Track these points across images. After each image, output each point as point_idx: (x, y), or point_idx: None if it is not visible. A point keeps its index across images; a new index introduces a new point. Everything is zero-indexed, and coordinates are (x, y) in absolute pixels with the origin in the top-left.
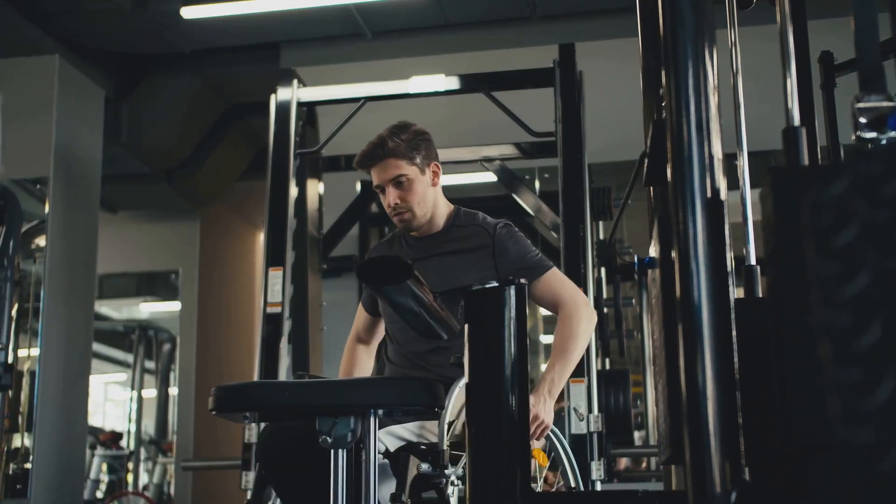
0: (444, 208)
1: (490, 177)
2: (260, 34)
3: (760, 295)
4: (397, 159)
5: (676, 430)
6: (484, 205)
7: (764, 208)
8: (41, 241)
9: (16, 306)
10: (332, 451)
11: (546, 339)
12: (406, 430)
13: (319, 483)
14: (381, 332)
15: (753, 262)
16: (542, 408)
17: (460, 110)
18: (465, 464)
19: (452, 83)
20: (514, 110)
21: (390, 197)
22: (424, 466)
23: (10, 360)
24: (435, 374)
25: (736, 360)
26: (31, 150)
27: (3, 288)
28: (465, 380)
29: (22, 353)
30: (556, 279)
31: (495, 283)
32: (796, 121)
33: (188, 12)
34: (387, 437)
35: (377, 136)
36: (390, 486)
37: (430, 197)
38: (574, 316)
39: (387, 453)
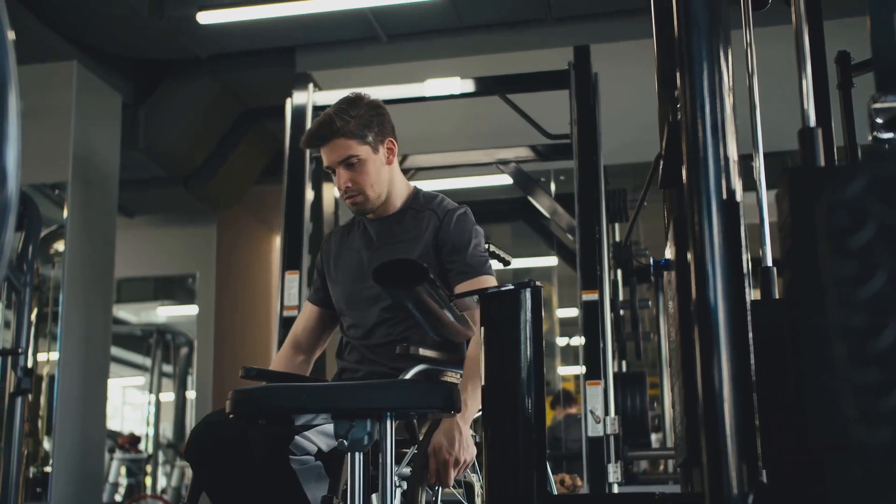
0: (401, 187)
1: (505, 179)
2: (276, 38)
3: (777, 296)
4: (347, 139)
5: (693, 433)
6: (499, 207)
7: (780, 209)
8: (60, 245)
9: (35, 311)
10: (349, 454)
11: (562, 341)
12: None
13: (249, 485)
14: (326, 335)
15: (770, 263)
16: (461, 447)
17: (475, 113)
18: (409, 462)
19: (467, 86)
20: (529, 112)
21: (341, 179)
22: None
23: (29, 364)
24: (388, 367)
25: (752, 361)
26: (49, 155)
27: (23, 293)
28: (414, 370)
29: (41, 357)
30: (481, 286)
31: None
32: (812, 121)
33: (204, 17)
34: (318, 437)
35: (324, 113)
36: (323, 489)
37: (384, 177)
38: None
39: (319, 453)
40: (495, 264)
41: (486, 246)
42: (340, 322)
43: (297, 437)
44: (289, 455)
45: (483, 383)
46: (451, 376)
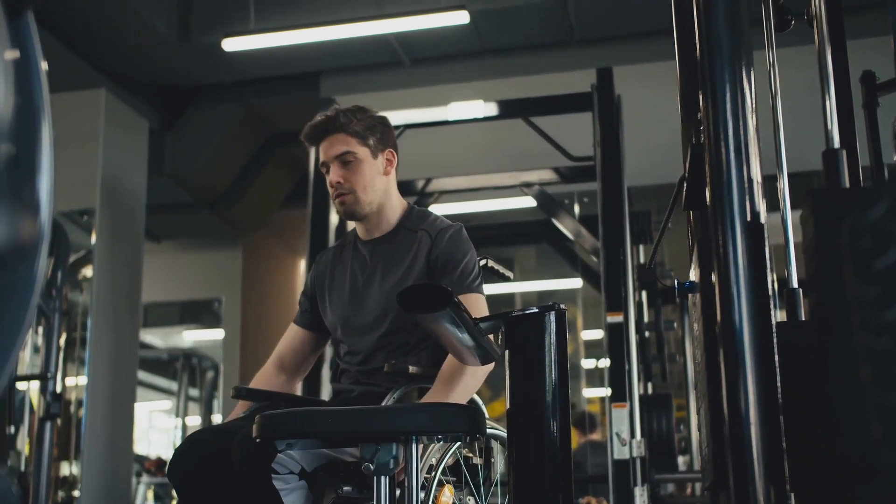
0: (396, 204)
1: (529, 202)
2: (300, 64)
3: (804, 318)
4: (347, 135)
5: (720, 455)
6: (523, 230)
7: (805, 231)
8: (88, 271)
9: (64, 336)
10: (375, 477)
11: (587, 363)
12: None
13: None
14: (311, 358)
15: (795, 284)
16: None
17: (499, 136)
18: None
19: (491, 109)
20: (552, 135)
21: (333, 175)
22: (346, 488)
23: (58, 389)
24: (384, 388)
25: (779, 383)
26: (77, 182)
27: (52, 318)
28: (400, 390)
29: (70, 381)
30: (468, 302)
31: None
32: (836, 143)
33: (230, 44)
34: (303, 455)
35: (330, 108)
36: None
37: (378, 185)
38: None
39: (303, 473)
40: (499, 287)
41: (483, 262)
42: (336, 348)
43: (280, 455)
44: (272, 474)
45: (508, 406)
46: None
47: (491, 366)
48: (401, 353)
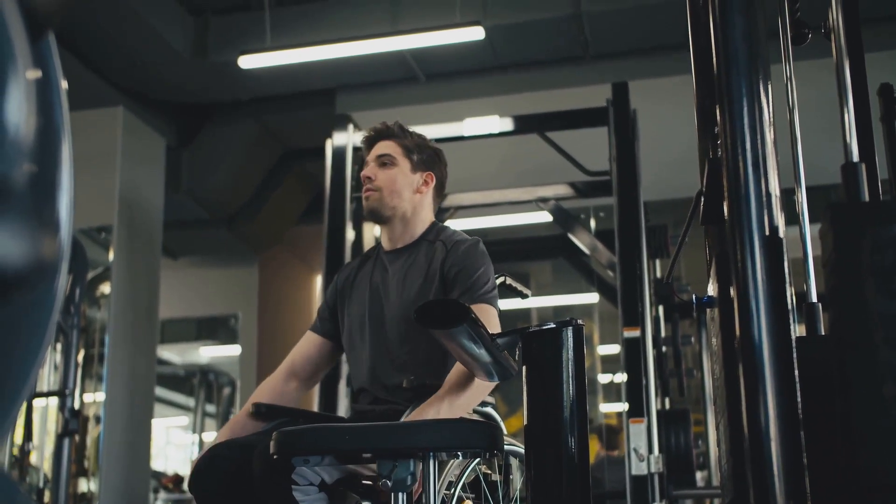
0: (425, 220)
1: (545, 216)
2: (315, 81)
3: (823, 332)
4: (394, 143)
5: (740, 471)
6: (539, 244)
7: (824, 245)
8: (106, 288)
9: (82, 352)
10: (393, 493)
11: (604, 378)
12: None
13: None
14: (324, 367)
15: (815, 299)
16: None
17: (514, 151)
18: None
19: (506, 124)
20: (568, 150)
21: (367, 170)
22: (366, 503)
23: (76, 405)
24: (403, 406)
25: (799, 398)
26: (95, 199)
27: (70, 335)
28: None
29: (88, 398)
30: (481, 317)
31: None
32: (855, 156)
33: (246, 62)
34: (322, 468)
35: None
36: None
37: (406, 196)
38: (464, 373)
39: (322, 485)
40: (515, 303)
41: (501, 279)
42: (350, 367)
43: (300, 468)
44: (292, 486)
45: (526, 422)
46: None
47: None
48: (420, 365)
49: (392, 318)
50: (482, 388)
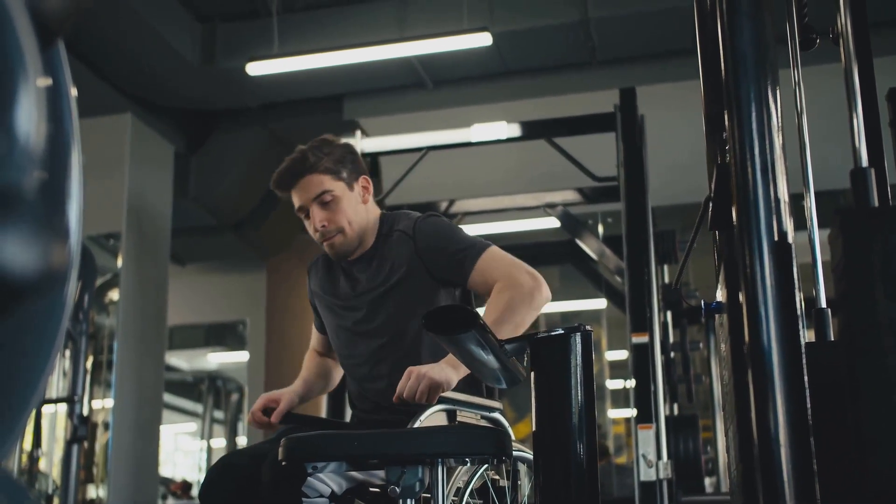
0: (375, 223)
1: (553, 222)
2: (323, 87)
3: (832, 338)
4: (321, 175)
5: (749, 477)
6: (547, 250)
7: (833, 251)
8: (114, 294)
9: (90, 359)
10: (401, 500)
11: (612, 383)
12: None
13: None
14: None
15: (824, 304)
16: (433, 368)
17: (522, 157)
18: None
19: (514, 130)
20: (575, 155)
21: (315, 219)
22: None
23: (85, 412)
24: (403, 413)
25: (808, 404)
26: (104, 206)
27: (79, 341)
28: (427, 413)
29: (96, 404)
30: (489, 261)
31: (437, 293)
32: (864, 161)
33: (254, 69)
34: (332, 478)
35: (296, 151)
36: None
37: (360, 215)
38: (511, 288)
39: (332, 496)
40: None
41: None
42: (343, 365)
43: (310, 478)
44: (302, 497)
45: (534, 428)
46: (470, 416)
47: (547, 295)
48: (404, 356)
49: (366, 317)
50: (526, 307)
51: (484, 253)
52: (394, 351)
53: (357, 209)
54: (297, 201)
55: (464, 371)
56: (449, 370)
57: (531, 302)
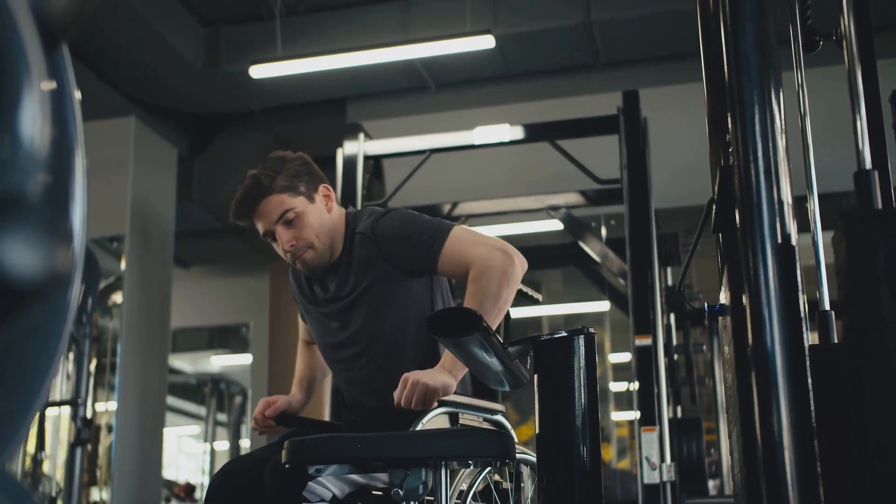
0: (341, 228)
1: (556, 224)
2: (326, 90)
3: (836, 341)
4: (278, 195)
5: (754, 479)
6: (550, 253)
7: (836, 253)
8: (118, 297)
9: (94, 362)
10: (404, 503)
11: (615, 386)
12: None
13: None
14: None
15: (827, 307)
16: (428, 374)
17: (525, 159)
18: None
19: (517, 133)
20: (578, 158)
21: (283, 239)
22: None
23: (88, 414)
24: (396, 419)
25: (812, 407)
26: (107, 209)
27: (83, 344)
28: (429, 415)
29: (100, 407)
30: (455, 245)
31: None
32: (868, 163)
33: (257, 72)
34: (333, 482)
35: (248, 177)
36: None
37: (327, 225)
38: (485, 272)
39: (334, 500)
40: (526, 310)
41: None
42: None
43: (311, 483)
44: (303, 502)
45: (537, 431)
46: (472, 419)
47: (522, 264)
48: (385, 359)
49: (341, 324)
50: (504, 286)
51: (448, 237)
52: (374, 356)
53: (322, 220)
54: (260, 227)
55: (460, 373)
56: (444, 375)
57: (508, 279)
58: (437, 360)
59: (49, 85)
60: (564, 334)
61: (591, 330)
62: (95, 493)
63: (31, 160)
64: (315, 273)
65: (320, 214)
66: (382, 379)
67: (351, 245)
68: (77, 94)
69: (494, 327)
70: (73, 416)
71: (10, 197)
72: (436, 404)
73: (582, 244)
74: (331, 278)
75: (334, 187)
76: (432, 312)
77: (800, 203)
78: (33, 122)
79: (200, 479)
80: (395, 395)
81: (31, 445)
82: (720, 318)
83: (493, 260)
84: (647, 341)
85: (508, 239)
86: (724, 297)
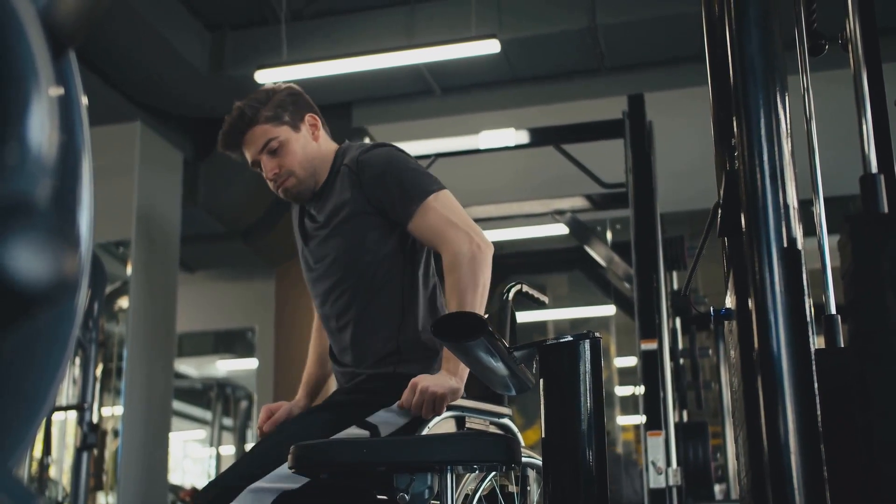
0: (330, 154)
1: (561, 229)
2: (332, 95)
3: (842, 345)
4: (262, 125)
5: (760, 484)
6: (556, 257)
7: (842, 257)
8: (124, 302)
9: (100, 366)
10: None
11: (620, 390)
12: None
13: None
14: None
15: (834, 310)
16: (435, 381)
17: (530, 163)
18: None
19: (522, 137)
20: (584, 162)
21: (266, 168)
22: None
23: (95, 419)
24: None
25: (819, 411)
26: (113, 213)
27: (89, 349)
28: (436, 420)
29: (106, 412)
30: (428, 215)
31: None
32: (874, 167)
33: (262, 76)
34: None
35: (234, 108)
36: None
37: (310, 154)
38: (457, 261)
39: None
40: (532, 315)
41: (518, 287)
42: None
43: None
44: None
45: (543, 435)
46: (479, 423)
47: (488, 247)
48: (359, 294)
49: (319, 256)
50: (477, 276)
51: (423, 204)
52: (346, 289)
53: (307, 148)
54: (249, 158)
55: (464, 374)
56: (451, 380)
57: (479, 264)
58: (413, 311)
59: (57, 91)
60: (570, 339)
61: (597, 334)
62: (102, 498)
63: (39, 166)
64: (298, 201)
65: (304, 142)
66: (351, 314)
67: (336, 175)
68: (84, 100)
69: (482, 313)
70: (80, 421)
71: (18, 203)
72: (441, 412)
73: (587, 248)
74: (315, 207)
75: None
76: (410, 269)
77: (805, 207)
78: (41, 129)
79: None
80: (404, 399)
81: (37, 450)
82: (726, 321)
83: (462, 245)
84: (652, 345)
85: (514, 243)
86: (729, 301)
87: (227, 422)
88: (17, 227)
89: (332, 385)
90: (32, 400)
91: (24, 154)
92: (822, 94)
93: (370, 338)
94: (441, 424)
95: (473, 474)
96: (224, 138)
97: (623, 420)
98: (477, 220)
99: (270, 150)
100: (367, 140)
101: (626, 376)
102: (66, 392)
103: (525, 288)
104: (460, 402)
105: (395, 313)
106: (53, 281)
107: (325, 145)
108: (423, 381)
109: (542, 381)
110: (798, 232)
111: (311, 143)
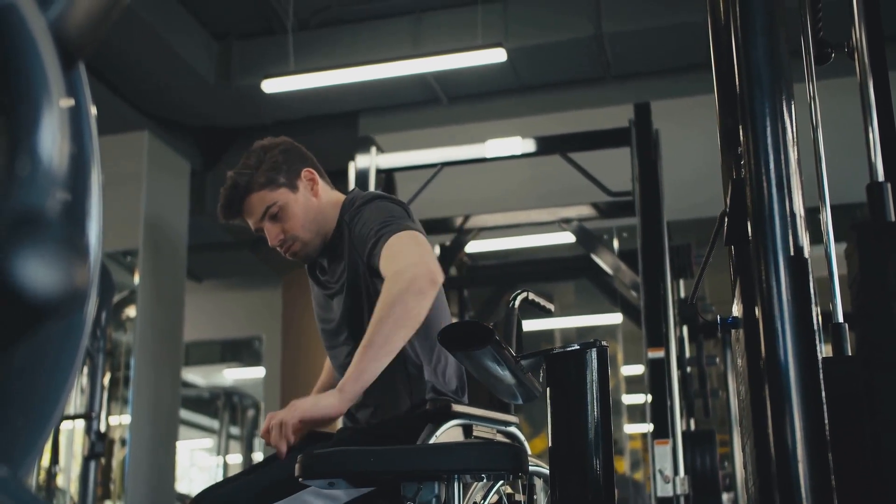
0: (336, 206)
1: (568, 237)
2: (338, 104)
3: (850, 353)
4: (258, 192)
5: (767, 493)
6: (562, 265)
7: (850, 265)
8: (131, 311)
9: (108, 375)
10: None
11: (628, 398)
12: (341, 491)
13: None
14: None
15: (841, 319)
16: (301, 402)
17: (537, 172)
18: None
19: (528, 146)
20: (590, 170)
21: (270, 235)
22: None
23: (102, 428)
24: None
25: (826, 419)
26: (121, 223)
27: (96, 358)
28: (442, 428)
29: (113, 420)
30: (392, 247)
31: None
32: (881, 175)
33: (269, 86)
34: (318, 500)
35: (227, 178)
36: None
37: (312, 213)
38: (388, 291)
39: None
40: (539, 323)
41: (524, 295)
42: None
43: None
44: None
45: (550, 444)
46: (486, 431)
47: (414, 295)
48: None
49: (337, 329)
50: (400, 313)
51: (392, 237)
52: (355, 348)
53: (308, 208)
54: (251, 225)
55: (361, 388)
56: (330, 398)
57: (409, 308)
58: (417, 360)
59: (67, 103)
60: (577, 347)
61: (604, 343)
62: None
63: (49, 178)
64: (308, 261)
65: (305, 202)
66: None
67: (340, 232)
68: (93, 111)
69: (380, 359)
70: (87, 430)
71: (29, 215)
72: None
73: (594, 256)
74: (325, 262)
75: None
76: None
77: (812, 215)
78: (52, 141)
79: None
80: (262, 430)
81: (45, 459)
82: (733, 330)
83: (400, 276)
84: (659, 354)
85: (521, 252)
86: (736, 310)
87: (235, 430)
88: (28, 239)
89: None
90: (42, 410)
91: (36, 167)
92: (829, 102)
93: (382, 397)
94: (448, 433)
95: (481, 483)
96: (223, 211)
97: (630, 429)
98: (483, 229)
99: (271, 216)
100: (373, 149)
101: (634, 385)
102: (74, 401)
103: (531, 296)
104: (468, 409)
105: (402, 375)
106: (64, 292)
107: (328, 198)
108: (292, 405)
109: (548, 389)
110: (805, 240)
111: (311, 201)
